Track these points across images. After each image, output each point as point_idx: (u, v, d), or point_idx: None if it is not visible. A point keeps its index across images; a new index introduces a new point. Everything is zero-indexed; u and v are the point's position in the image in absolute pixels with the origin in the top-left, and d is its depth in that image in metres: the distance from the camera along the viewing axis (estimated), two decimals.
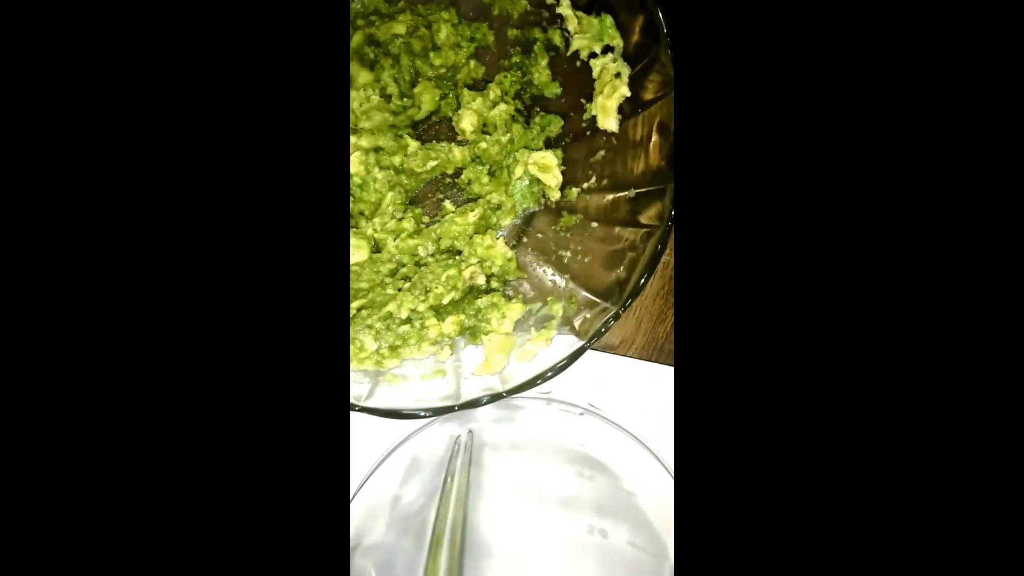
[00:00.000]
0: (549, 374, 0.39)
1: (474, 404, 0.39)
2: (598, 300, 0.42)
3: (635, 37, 0.40)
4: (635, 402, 0.50)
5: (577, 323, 0.42)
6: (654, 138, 0.41)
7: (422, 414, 0.39)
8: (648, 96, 0.41)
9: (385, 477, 0.48)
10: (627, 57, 0.42)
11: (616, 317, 0.39)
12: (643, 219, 0.41)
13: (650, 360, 0.52)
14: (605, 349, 0.52)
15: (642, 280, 0.38)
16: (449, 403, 0.39)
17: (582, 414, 0.50)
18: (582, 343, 0.39)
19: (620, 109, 0.44)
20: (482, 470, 0.49)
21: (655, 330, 0.52)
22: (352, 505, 0.47)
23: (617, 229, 0.44)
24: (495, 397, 0.39)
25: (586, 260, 0.45)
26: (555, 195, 0.47)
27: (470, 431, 0.50)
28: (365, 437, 0.49)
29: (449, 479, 0.47)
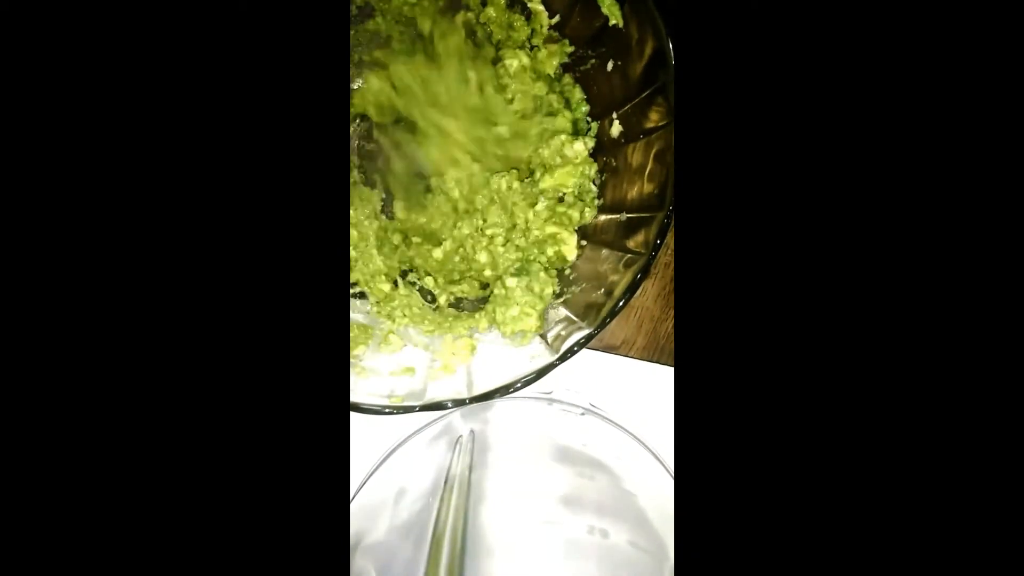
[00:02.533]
0: (518, 385, 0.39)
1: (437, 407, 0.39)
2: (575, 319, 0.42)
3: (643, 63, 0.41)
4: (636, 402, 0.50)
5: (550, 337, 0.43)
6: (651, 165, 0.41)
7: (385, 411, 0.38)
8: (650, 124, 0.41)
9: (386, 477, 0.48)
10: (634, 82, 0.42)
11: (590, 338, 0.39)
12: (630, 244, 0.41)
13: (651, 361, 0.52)
14: (606, 350, 0.52)
15: (619, 304, 0.38)
16: (412, 403, 0.39)
17: (583, 414, 0.50)
18: (552, 359, 0.39)
19: (622, 133, 0.44)
20: (483, 470, 0.49)
21: (656, 331, 0.52)
22: (352, 505, 0.47)
23: (604, 251, 0.44)
24: (459, 403, 0.39)
25: (571, 277, 0.46)
26: (572, 255, 0.47)
27: (471, 431, 0.50)
28: (366, 437, 0.49)
29: (450, 479, 0.47)
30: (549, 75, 0.47)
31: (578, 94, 0.47)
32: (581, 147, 0.46)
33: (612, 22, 0.42)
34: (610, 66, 0.44)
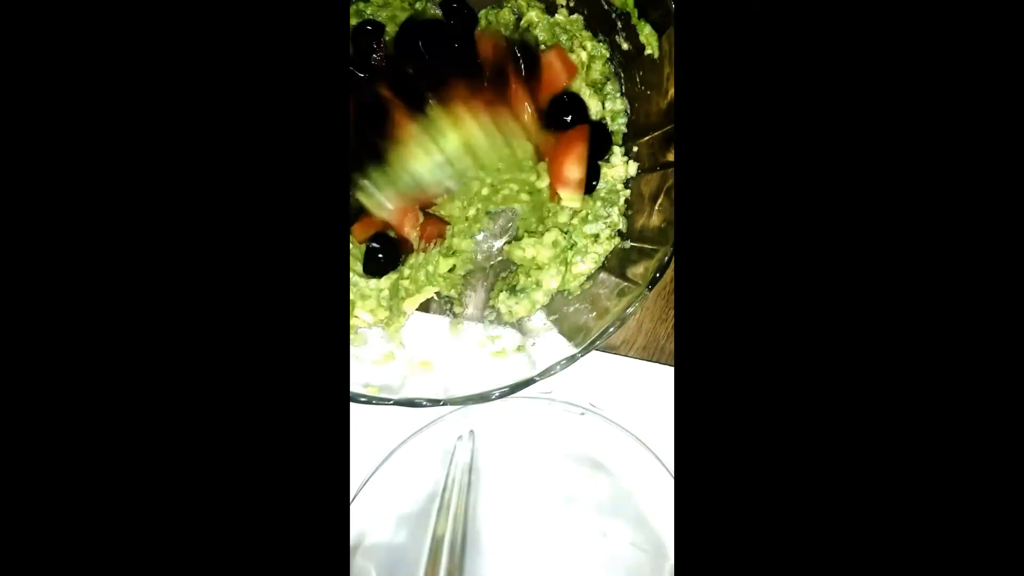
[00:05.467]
0: (495, 395, 0.39)
1: (411, 404, 0.39)
2: (562, 337, 0.43)
3: (668, 100, 0.41)
4: (636, 402, 0.50)
5: (533, 353, 0.43)
6: (661, 199, 0.41)
7: (360, 399, 0.39)
8: (668, 158, 0.41)
9: (386, 477, 0.48)
10: (659, 114, 0.42)
11: (572, 360, 0.39)
12: (629, 273, 0.42)
13: (651, 360, 0.52)
14: (606, 349, 0.52)
15: (608, 330, 0.39)
16: (386, 396, 0.39)
17: (583, 414, 0.50)
18: (532, 375, 0.40)
19: (640, 164, 0.45)
20: (483, 470, 0.49)
21: (656, 330, 0.52)
22: (353, 505, 0.47)
23: (603, 274, 0.44)
24: (433, 402, 0.40)
25: (567, 296, 0.46)
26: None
27: (471, 431, 0.50)
28: (366, 438, 0.49)
29: (450, 479, 0.47)
30: (595, 79, 0.47)
31: (620, 105, 0.46)
32: (621, 173, 0.45)
33: (647, 51, 0.42)
34: (640, 93, 0.44)
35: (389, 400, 0.39)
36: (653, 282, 0.38)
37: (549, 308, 0.46)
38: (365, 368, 0.42)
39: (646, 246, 0.41)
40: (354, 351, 0.43)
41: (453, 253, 0.46)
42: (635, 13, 0.42)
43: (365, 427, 0.49)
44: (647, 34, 0.41)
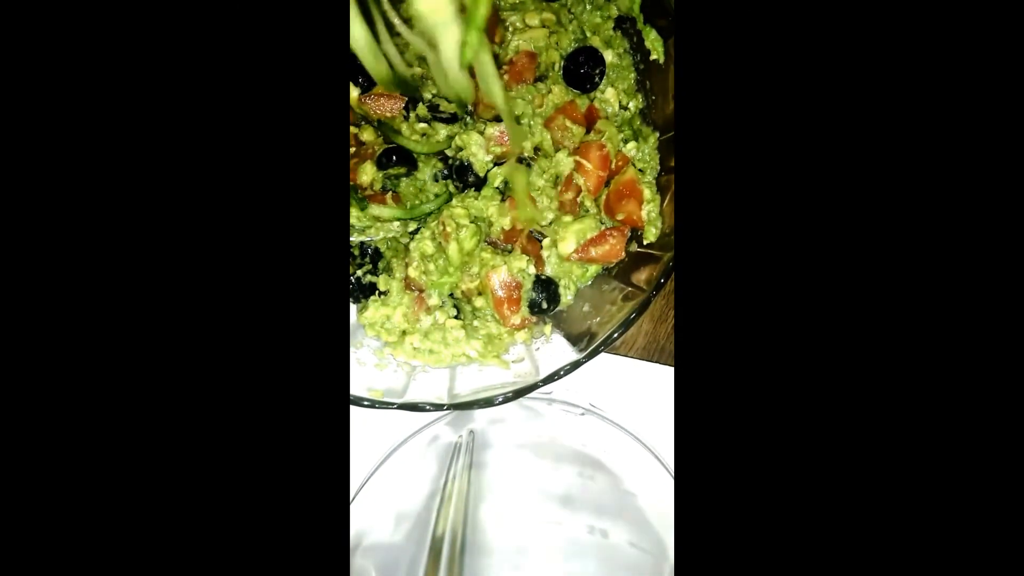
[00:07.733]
0: (499, 400, 0.40)
1: (415, 408, 0.40)
2: (567, 343, 0.43)
3: (671, 106, 0.41)
4: (636, 402, 0.50)
5: (538, 358, 0.43)
6: (667, 204, 0.42)
7: (364, 403, 0.39)
8: (673, 163, 0.41)
9: (386, 477, 0.48)
10: (665, 119, 0.42)
11: (577, 365, 0.39)
12: (634, 278, 0.42)
13: (651, 360, 0.52)
14: (606, 350, 0.52)
15: (612, 336, 0.39)
16: (390, 400, 0.40)
17: (583, 414, 0.50)
18: (536, 380, 0.40)
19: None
20: (483, 470, 0.49)
21: (656, 330, 0.52)
22: (353, 505, 0.47)
23: (608, 280, 0.45)
24: (436, 407, 0.40)
25: (571, 299, 0.46)
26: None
27: (471, 431, 0.50)
28: (366, 438, 0.49)
29: (450, 479, 0.47)
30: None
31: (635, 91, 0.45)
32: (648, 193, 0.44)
33: (653, 56, 0.42)
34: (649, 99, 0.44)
35: (392, 404, 0.39)
36: (658, 288, 0.38)
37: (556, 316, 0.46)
38: (368, 372, 0.42)
39: (652, 252, 0.41)
40: (358, 355, 0.43)
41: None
42: (641, 18, 0.42)
43: (365, 427, 0.49)
44: (652, 39, 0.41)
